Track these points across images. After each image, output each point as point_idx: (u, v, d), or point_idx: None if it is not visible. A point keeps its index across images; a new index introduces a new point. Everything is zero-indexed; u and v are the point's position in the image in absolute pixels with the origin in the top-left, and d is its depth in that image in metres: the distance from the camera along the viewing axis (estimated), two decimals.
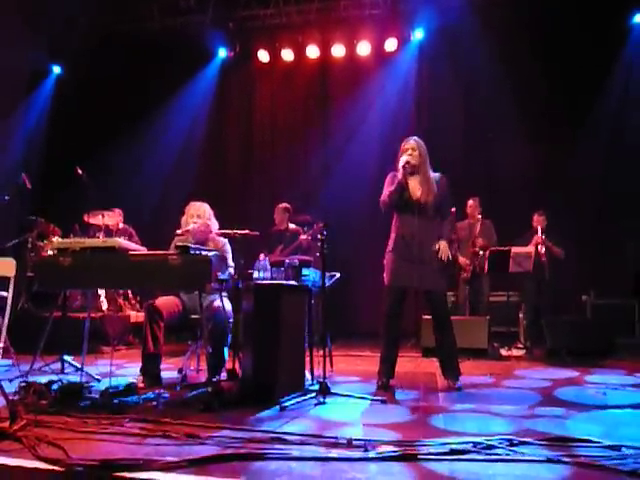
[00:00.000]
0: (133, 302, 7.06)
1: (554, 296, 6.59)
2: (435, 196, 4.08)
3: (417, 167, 4.11)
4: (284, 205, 6.66)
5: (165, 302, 4.15)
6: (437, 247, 4.07)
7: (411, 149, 4.14)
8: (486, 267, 6.23)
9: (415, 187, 4.10)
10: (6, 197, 6.35)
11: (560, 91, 7.45)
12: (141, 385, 3.89)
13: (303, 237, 5.97)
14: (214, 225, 4.52)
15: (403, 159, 4.07)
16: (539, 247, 6.50)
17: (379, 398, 3.63)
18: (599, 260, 7.15)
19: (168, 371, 4.46)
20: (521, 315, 6.70)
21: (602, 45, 7.34)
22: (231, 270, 4.24)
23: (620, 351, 5.74)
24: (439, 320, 4.17)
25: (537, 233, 6.59)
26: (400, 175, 4.06)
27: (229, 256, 4.40)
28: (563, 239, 6.68)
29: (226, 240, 4.46)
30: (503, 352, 6.02)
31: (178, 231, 4.41)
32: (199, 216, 4.43)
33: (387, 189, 4.14)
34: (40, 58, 8.78)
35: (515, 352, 6.08)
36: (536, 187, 7.47)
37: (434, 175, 4.19)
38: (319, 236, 4.01)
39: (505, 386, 4.25)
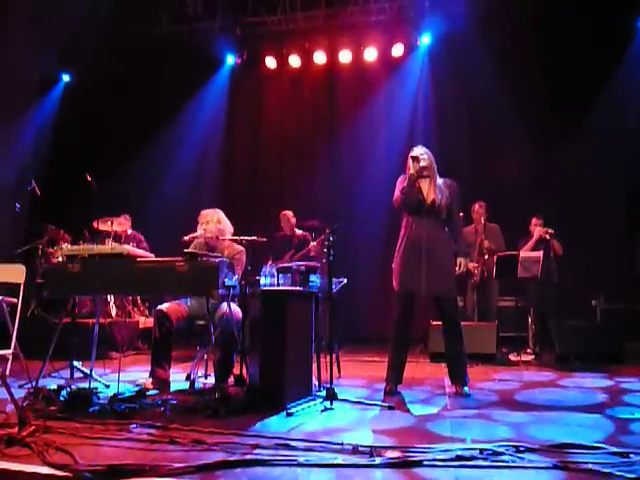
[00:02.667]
0: (142, 308, 7.10)
1: (563, 300, 6.55)
2: (447, 199, 4.11)
3: (427, 170, 4.13)
4: (290, 213, 6.67)
5: (173, 307, 4.18)
6: (458, 263, 4.19)
7: (419, 154, 4.16)
8: (494, 272, 6.21)
9: (427, 189, 4.13)
10: (17, 205, 6.42)
11: (565, 94, 7.42)
12: (150, 386, 3.92)
13: (313, 243, 5.99)
14: (227, 229, 4.53)
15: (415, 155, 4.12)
16: (543, 234, 6.47)
17: (386, 404, 3.63)
18: (609, 264, 7.09)
19: (176, 377, 4.48)
20: (529, 320, 6.67)
21: (606, 48, 7.32)
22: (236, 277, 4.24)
23: (631, 356, 5.69)
24: (449, 326, 4.16)
25: (534, 238, 6.58)
26: (412, 170, 4.07)
27: (240, 264, 4.39)
28: (572, 242, 6.66)
29: (243, 249, 4.43)
30: (512, 357, 5.99)
31: (185, 237, 4.43)
32: (207, 222, 4.46)
33: (399, 188, 4.16)
34: (50, 66, 8.86)
35: (524, 357, 6.04)
36: (543, 191, 7.44)
37: (444, 180, 4.22)
38: (326, 242, 4.03)
39: (512, 392, 4.23)
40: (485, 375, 4.96)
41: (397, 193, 4.15)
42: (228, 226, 4.55)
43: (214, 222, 4.47)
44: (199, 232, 4.43)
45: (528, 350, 6.44)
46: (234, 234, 4.52)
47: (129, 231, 7.05)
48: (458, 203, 4.26)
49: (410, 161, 4.13)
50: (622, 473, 2.22)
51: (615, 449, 2.51)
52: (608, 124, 7.35)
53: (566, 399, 3.93)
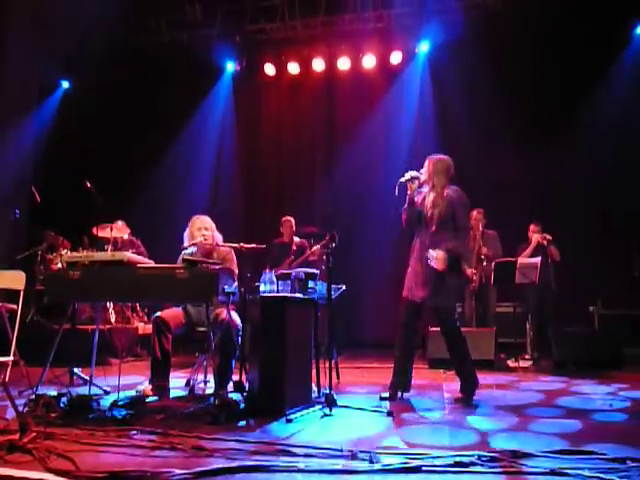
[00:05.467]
0: (141, 314, 7.10)
1: (560, 307, 6.57)
2: (441, 210, 4.12)
3: (427, 182, 4.22)
4: (291, 219, 6.68)
5: (171, 314, 4.20)
6: (434, 255, 3.99)
7: (425, 165, 4.28)
8: (492, 279, 6.24)
9: (426, 202, 4.19)
10: (17, 211, 6.43)
11: (562, 101, 7.49)
12: (149, 393, 3.93)
13: (317, 247, 5.98)
14: (218, 237, 4.57)
15: (407, 174, 4.23)
16: (541, 240, 6.49)
17: (385, 410, 3.64)
18: (606, 270, 7.12)
19: (176, 383, 4.50)
20: (528, 326, 6.69)
21: (602, 49, 7.41)
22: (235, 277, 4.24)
23: (628, 362, 5.71)
24: (445, 336, 4.20)
25: (532, 244, 6.59)
26: (409, 191, 4.22)
27: (233, 264, 4.44)
28: (570, 248, 6.69)
29: (230, 249, 4.49)
30: (510, 363, 6.00)
31: (185, 244, 4.45)
32: (207, 229, 4.48)
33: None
34: (49, 72, 8.87)
35: (522, 363, 6.07)
36: (541, 198, 7.49)
37: (452, 188, 4.20)
38: (326, 249, 4.06)
39: (512, 398, 4.25)
40: (483, 381, 4.96)
41: (403, 216, 4.27)
42: (219, 234, 4.61)
43: (212, 229, 4.52)
44: (198, 239, 4.45)
45: (526, 356, 6.47)
46: (231, 241, 4.55)
47: (125, 236, 7.03)
48: (463, 211, 4.17)
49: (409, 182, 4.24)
50: (618, 479, 2.24)
51: (612, 455, 2.53)
52: (604, 130, 7.40)
53: (567, 405, 3.96)
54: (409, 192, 4.22)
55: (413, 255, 4.22)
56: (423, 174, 4.24)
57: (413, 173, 4.23)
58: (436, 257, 3.97)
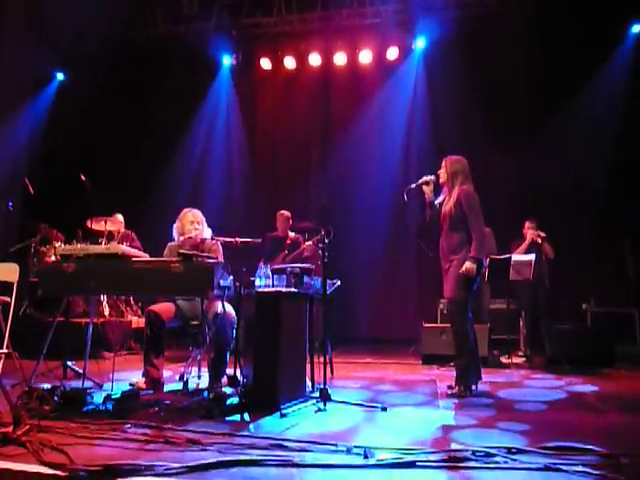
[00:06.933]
0: (135, 308, 7.08)
1: (554, 304, 6.60)
2: (451, 209, 4.22)
3: (444, 184, 4.36)
4: (287, 213, 6.66)
5: (164, 307, 4.18)
6: (464, 268, 4.06)
7: (442, 166, 4.39)
8: (486, 275, 6.25)
9: (445, 203, 4.33)
10: (10, 203, 6.39)
11: (557, 99, 7.51)
12: (143, 386, 3.92)
13: (309, 243, 5.98)
14: (208, 231, 4.56)
15: (421, 180, 4.39)
16: (535, 238, 6.51)
17: (379, 405, 3.65)
18: (599, 268, 7.16)
19: (169, 377, 4.49)
20: (521, 323, 6.71)
21: (595, 48, 7.45)
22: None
23: (620, 360, 5.74)
24: (452, 330, 4.29)
25: (526, 241, 6.62)
26: (426, 197, 4.39)
27: (220, 257, 4.41)
28: (563, 246, 6.71)
29: (216, 242, 4.46)
30: (503, 360, 6.02)
31: (181, 238, 4.43)
32: (198, 222, 4.47)
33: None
34: (44, 64, 8.81)
35: (515, 360, 6.09)
36: (535, 195, 7.51)
37: (461, 188, 4.26)
38: (320, 244, 4.06)
39: (504, 396, 4.27)
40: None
41: (426, 218, 4.43)
42: (208, 228, 4.60)
43: (203, 224, 4.50)
44: (193, 233, 4.43)
45: (519, 353, 6.49)
46: (226, 235, 4.52)
47: (122, 230, 7.02)
48: (472, 212, 4.16)
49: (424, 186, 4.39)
50: (612, 475, 2.25)
51: (605, 451, 2.54)
52: (599, 128, 7.43)
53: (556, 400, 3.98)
54: (426, 196, 4.36)
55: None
56: (441, 175, 4.36)
57: (426, 178, 4.37)
58: (465, 269, 4.04)
